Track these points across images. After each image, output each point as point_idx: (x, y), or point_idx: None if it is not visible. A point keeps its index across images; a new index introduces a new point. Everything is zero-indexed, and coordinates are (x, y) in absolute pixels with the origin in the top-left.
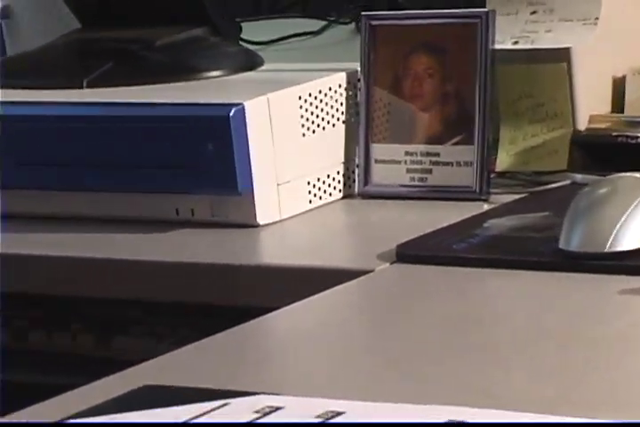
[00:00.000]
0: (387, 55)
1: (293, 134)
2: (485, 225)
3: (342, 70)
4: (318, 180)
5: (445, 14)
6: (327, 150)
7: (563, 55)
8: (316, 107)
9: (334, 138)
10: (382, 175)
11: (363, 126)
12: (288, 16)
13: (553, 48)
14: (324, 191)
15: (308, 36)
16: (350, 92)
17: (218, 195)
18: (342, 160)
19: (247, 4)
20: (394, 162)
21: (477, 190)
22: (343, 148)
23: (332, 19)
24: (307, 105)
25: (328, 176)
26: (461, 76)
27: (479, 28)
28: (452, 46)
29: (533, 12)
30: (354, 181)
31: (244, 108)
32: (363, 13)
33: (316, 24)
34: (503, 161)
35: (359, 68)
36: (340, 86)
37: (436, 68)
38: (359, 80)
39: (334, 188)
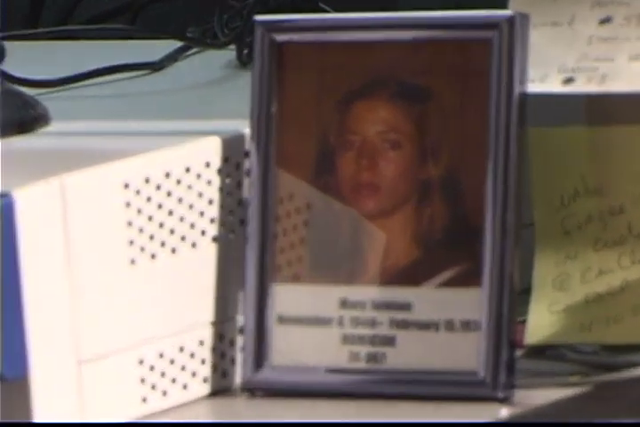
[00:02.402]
0: (304, 105)
1: (112, 260)
2: None
3: (213, 134)
4: (161, 356)
5: (427, 21)
6: (180, 296)
7: None
8: (160, 206)
9: (195, 271)
10: (293, 349)
11: (254, 250)
12: (105, 33)
13: None
14: (173, 380)
15: (145, 69)
16: (229, 180)
17: None
18: (211, 318)
19: (21, 8)
20: (316, 322)
21: (488, 380)
22: (213, 292)
23: (191, 37)
24: (140, 202)
25: (181, 350)
26: (459, 149)
27: (495, 49)
28: (439, 87)
29: (605, 21)
30: (233, 361)
31: (11, 203)
32: (257, 19)
33: (160, 48)
34: (541, 325)
35: (247, 132)
36: (207, 166)
37: (406, 133)
38: (247, 155)
39: (193, 374)
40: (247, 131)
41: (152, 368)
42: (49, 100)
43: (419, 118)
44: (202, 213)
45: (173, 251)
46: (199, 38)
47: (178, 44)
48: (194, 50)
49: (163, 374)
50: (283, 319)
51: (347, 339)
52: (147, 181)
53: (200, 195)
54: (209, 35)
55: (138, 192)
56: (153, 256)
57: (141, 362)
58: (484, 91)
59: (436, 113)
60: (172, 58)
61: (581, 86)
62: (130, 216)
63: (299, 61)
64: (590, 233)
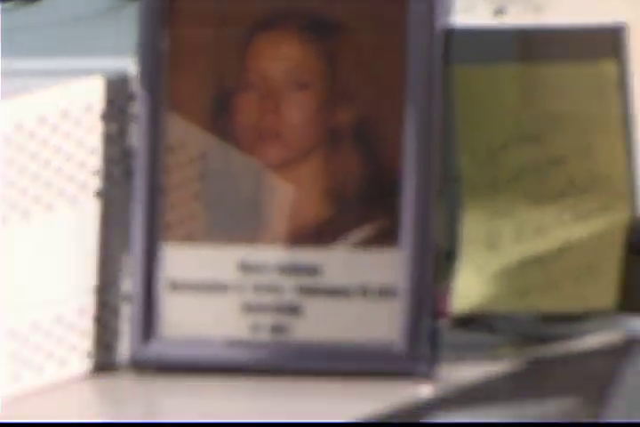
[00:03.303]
0: (199, 40)
1: None
2: None
3: (94, 74)
4: (35, 328)
5: None
6: (57, 259)
7: (608, 43)
8: (33, 157)
9: (74, 230)
10: (186, 319)
11: (141, 206)
12: None
13: (585, 27)
14: (50, 355)
15: (18, 0)
16: (113, 126)
17: None
18: (92, 283)
19: None
20: (213, 288)
21: (407, 353)
22: (94, 254)
23: None
24: (10, 152)
25: (58, 320)
26: (374, 91)
27: None
28: (351, 19)
29: None
30: (117, 332)
31: None
32: None
33: None
34: (469, 290)
35: (134, 71)
36: (88, 110)
37: (314, 71)
38: (133, 98)
39: (72, 347)
40: (134, 70)
41: (25, 341)
42: None
43: (327, 56)
44: (82, 165)
45: (49, 208)
46: None
47: None
48: None
49: (37, 348)
50: (174, 285)
51: (247, 307)
52: (18, 127)
53: (80, 143)
54: None
55: (8, 140)
56: (26, 214)
57: (12, 334)
58: (402, 23)
59: (348, 49)
60: None
61: (514, 18)
62: None
63: None
64: (525, 186)
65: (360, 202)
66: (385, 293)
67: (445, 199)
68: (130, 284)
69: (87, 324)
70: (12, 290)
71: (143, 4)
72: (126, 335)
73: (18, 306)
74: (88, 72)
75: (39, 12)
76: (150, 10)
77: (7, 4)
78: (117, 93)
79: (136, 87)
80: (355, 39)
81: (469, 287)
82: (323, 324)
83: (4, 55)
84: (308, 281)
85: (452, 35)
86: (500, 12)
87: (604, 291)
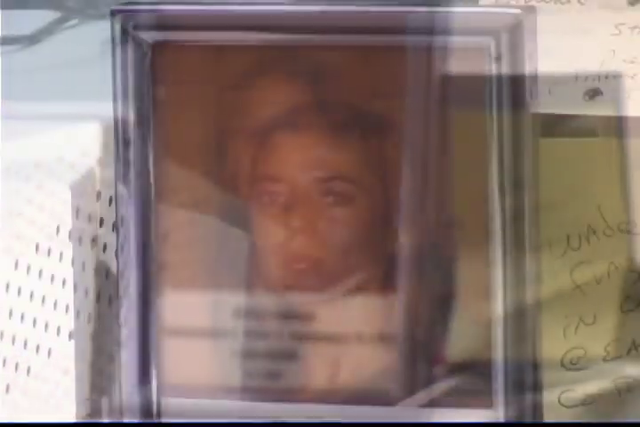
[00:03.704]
0: (194, 83)
1: None
2: None
3: (91, 119)
4: (28, 372)
5: None
6: (51, 303)
7: (605, 89)
8: (29, 201)
9: (69, 274)
10: (181, 365)
11: (136, 250)
12: None
13: (580, 72)
14: (47, 401)
15: (16, 44)
16: (107, 171)
17: None
18: (87, 328)
19: None
20: (208, 334)
21: (403, 399)
22: (89, 299)
23: (70, 6)
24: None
25: (54, 366)
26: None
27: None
28: (345, 65)
29: None
30: (112, 378)
31: None
32: None
33: (34, 19)
34: (466, 337)
35: (130, 116)
36: (84, 155)
37: (303, 110)
38: (126, 143)
39: (69, 393)
40: (130, 115)
41: (20, 387)
42: None
43: (319, 95)
44: (77, 209)
45: (45, 252)
46: (79, 8)
47: (55, 14)
48: (73, 21)
49: (33, 393)
50: (169, 331)
51: (242, 354)
52: (15, 171)
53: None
54: (90, 4)
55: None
56: (17, 261)
57: (5, 379)
58: (401, 70)
59: (338, 91)
60: (48, 31)
61: (511, 65)
62: None
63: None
64: (520, 233)
65: (356, 246)
66: (381, 339)
67: (441, 245)
68: (125, 329)
69: (83, 369)
70: (3, 337)
71: (139, 49)
72: (121, 381)
73: (11, 352)
74: (86, 116)
75: (39, 56)
76: (146, 55)
77: (7, 48)
78: (113, 138)
79: (131, 132)
80: (349, 84)
81: (465, 334)
82: (318, 371)
83: (3, 99)
84: (303, 327)
85: (449, 81)
86: (498, 58)
87: (600, 339)
